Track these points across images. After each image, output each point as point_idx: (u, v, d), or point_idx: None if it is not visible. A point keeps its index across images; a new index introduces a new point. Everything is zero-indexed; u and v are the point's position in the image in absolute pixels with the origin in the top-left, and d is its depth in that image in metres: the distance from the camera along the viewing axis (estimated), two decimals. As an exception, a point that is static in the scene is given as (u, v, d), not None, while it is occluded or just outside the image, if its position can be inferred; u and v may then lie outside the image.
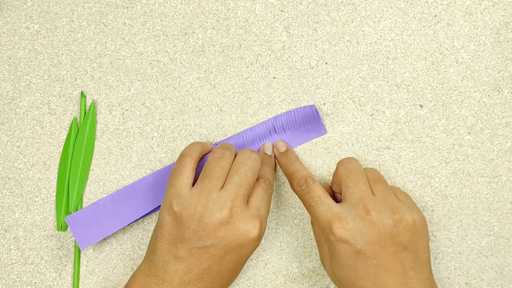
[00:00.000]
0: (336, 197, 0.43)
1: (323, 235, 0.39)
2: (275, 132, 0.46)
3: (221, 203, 0.38)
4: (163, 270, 0.38)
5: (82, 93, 0.47)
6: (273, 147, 0.46)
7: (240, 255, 0.39)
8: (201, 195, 0.39)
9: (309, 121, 0.45)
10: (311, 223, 0.43)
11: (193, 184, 0.41)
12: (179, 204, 0.39)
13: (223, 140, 0.46)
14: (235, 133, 0.46)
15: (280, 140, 0.46)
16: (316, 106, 0.45)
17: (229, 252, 0.38)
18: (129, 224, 0.45)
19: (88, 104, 0.47)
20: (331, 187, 0.44)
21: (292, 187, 0.42)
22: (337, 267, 0.38)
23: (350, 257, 0.37)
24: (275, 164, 0.46)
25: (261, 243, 0.45)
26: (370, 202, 0.38)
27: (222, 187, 0.39)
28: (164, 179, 0.45)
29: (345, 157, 0.44)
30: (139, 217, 0.45)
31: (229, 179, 0.39)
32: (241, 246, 0.38)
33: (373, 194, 0.39)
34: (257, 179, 0.42)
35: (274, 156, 0.46)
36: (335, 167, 0.43)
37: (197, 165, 0.42)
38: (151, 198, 0.45)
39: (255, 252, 0.45)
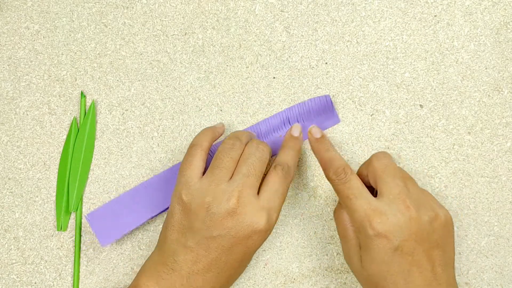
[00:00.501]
0: None
1: (358, 229, 0.38)
2: (289, 123, 0.45)
3: (228, 193, 0.38)
4: (173, 259, 0.39)
5: (82, 93, 0.47)
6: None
7: (248, 247, 0.39)
8: (210, 185, 0.39)
9: (323, 111, 0.45)
10: (335, 214, 0.42)
11: (204, 173, 0.41)
12: (189, 194, 0.39)
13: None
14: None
15: (315, 125, 0.45)
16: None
17: (236, 243, 0.38)
18: (150, 218, 0.45)
19: (88, 104, 0.47)
20: None
21: (327, 175, 0.41)
22: (371, 262, 0.38)
23: (386, 253, 0.37)
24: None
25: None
26: (409, 198, 0.38)
27: (231, 178, 0.39)
28: None
29: (379, 151, 0.43)
30: (160, 211, 0.45)
31: (237, 170, 0.39)
32: (247, 237, 0.38)
33: (409, 191, 0.39)
34: (275, 166, 0.41)
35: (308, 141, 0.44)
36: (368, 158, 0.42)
37: (209, 153, 0.42)
38: (170, 192, 0.45)
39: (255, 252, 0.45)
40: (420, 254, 0.37)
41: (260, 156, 0.40)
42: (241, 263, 0.40)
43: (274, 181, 0.40)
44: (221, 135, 0.44)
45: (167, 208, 0.45)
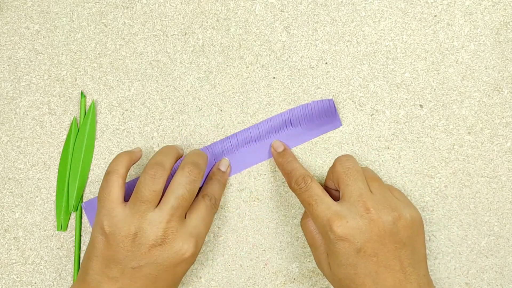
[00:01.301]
0: (331, 194, 0.43)
1: (322, 234, 0.39)
2: (291, 125, 0.45)
3: (156, 224, 0.38)
4: None
5: (82, 93, 0.47)
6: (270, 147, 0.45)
7: (175, 274, 0.39)
8: (134, 217, 0.38)
9: (325, 114, 0.45)
10: (302, 224, 0.43)
11: (126, 197, 0.40)
12: (112, 225, 0.38)
13: (239, 132, 0.45)
14: (235, 133, 0.46)
15: (277, 140, 0.45)
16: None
17: (163, 271, 0.38)
18: None
19: (88, 104, 0.47)
20: (325, 184, 0.44)
21: (290, 186, 0.42)
22: (337, 266, 0.38)
23: (350, 256, 0.37)
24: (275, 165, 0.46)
25: (261, 243, 0.45)
26: (369, 200, 0.38)
27: (157, 206, 0.39)
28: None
29: (343, 154, 0.44)
30: None
31: (165, 199, 0.39)
32: (175, 265, 0.38)
33: (371, 192, 0.39)
34: (203, 196, 0.41)
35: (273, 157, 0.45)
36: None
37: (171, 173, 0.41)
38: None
39: (255, 252, 0.45)
40: (385, 254, 0.37)
41: (190, 188, 0.39)
42: None
43: (202, 210, 0.41)
44: (138, 159, 0.43)
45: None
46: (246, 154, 0.46)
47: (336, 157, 0.45)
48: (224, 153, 0.46)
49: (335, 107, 0.45)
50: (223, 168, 0.45)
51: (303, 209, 0.46)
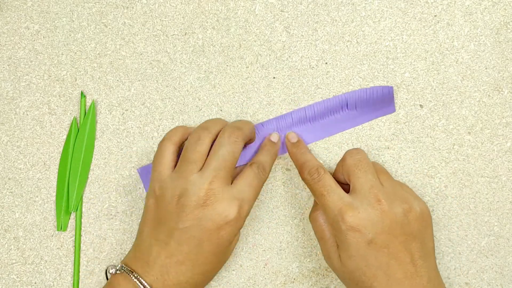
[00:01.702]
0: (342, 188, 0.42)
1: (333, 225, 0.39)
2: (347, 107, 0.45)
3: (199, 185, 0.38)
4: (147, 252, 0.39)
5: (82, 93, 0.47)
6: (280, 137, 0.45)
7: (219, 238, 0.39)
8: (179, 178, 0.39)
9: (382, 100, 0.45)
10: (311, 217, 0.43)
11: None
12: (161, 188, 0.40)
13: (294, 111, 0.45)
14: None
15: (292, 131, 0.45)
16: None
17: (207, 233, 0.38)
18: None
19: (88, 104, 0.47)
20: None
21: (302, 176, 0.42)
22: (348, 257, 0.38)
23: (361, 247, 0.37)
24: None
25: (260, 243, 0.45)
26: (381, 192, 0.38)
27: (201, 169, 0.39)
28: None
29: (353, 148, 0.44)
30: None
31: (207, 163, 0.39)
32: (219, 228, 0.38)
33: (382, 185, 0.40)
34: (251, 164, 0.42)
35: (286, 147, 0.45)
36: (342, 156, 0.43)
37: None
38: None
39: (255, 252, 0.45)
40: (396, 246, 0.37)
41: (230, 149, 0.40)
42: (215, 256, 0.39)
43: (249, 175, 0.41)
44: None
45: None
46: (300, 134, 0.45)
47: (336, 157, 0.46)
48: (278, 131, 0.45)
49: (393, 94, 0.45)
50: (274, 139, 0.44)
51: (304, 209, 0.46)
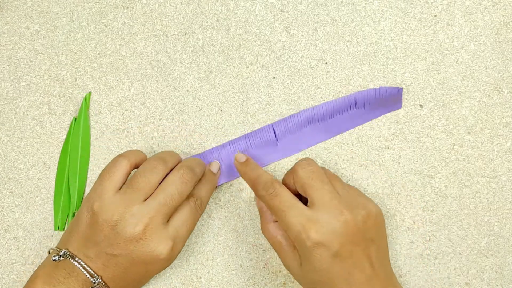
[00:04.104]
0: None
1: (296, 241, 0.38)
2: (355, 106, 0.45)
3: (138, 218, 0.38)
4: (72, 264, 0.38)
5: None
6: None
7: (147, 271, 0.39)
8: (120, 204, 0.38)
9: (391, 99, 0.45)
10: (263, 230, 0.42)
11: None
12: (99, 206, 0.38)
13: (302, 111, 0.45)
14: (234, 133, 0.46)
15: (239, 152, 0.45)
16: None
17: (135, 266, 0.38)
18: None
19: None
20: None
21: (257, 193, 0.40)
22: (312, 271, 0.37)
23: (326, 261, 0.37)
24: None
25: (261, 243, 0.45)
26: (341, 202, 0.38)
27: (145, 200, 0.39)
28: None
29: (302, 158, 0.42)
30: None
31: (154, 195, 0.39)
32: (148, 263, 0.38)
33: (339, 194, 0.39)
34: (188, 197, 0.41)
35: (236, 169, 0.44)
36: (291, 167, 0.42)
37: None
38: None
39: (255, 252, 0.45)
40: (358, 254, 0.37)
41: (181, 189, 0.39)
42: (137, 283, 0.40)
43: (185, 211, 0.40)
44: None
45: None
46: (308, 134, 0.45)
47: (336, 157, 0.46)
48: (287, 132, 0.45)
49: (401, 94, 0.45)
50: (214, 169, 0.44)
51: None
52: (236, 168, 0.43)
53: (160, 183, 0.40)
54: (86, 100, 0.47)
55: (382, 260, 0.39)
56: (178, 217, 0.40)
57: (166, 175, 0.41)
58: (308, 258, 0.37)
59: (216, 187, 0.45)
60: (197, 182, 0.41)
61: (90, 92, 0.47)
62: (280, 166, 0.46)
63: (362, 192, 0.42)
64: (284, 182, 0.42)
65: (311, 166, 0.40)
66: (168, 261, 0.39)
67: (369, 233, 0.38)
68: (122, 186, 0.40)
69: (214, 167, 0.44)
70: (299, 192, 0.40)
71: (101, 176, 0.40)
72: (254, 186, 0.41)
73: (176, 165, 0.42)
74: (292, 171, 0.41)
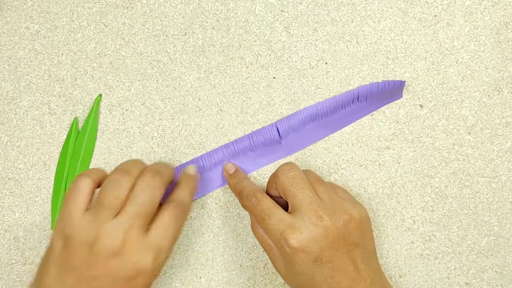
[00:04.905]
0: (278, 203, 0.41)
1: (277, 247, 0.38)
2: (358, 100, 0.45)
3: (113, 234, 0.36)
4: None
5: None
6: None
7: (132, 287, 0.37)
8: (93, 223, 0.36)
9: (393, 91, 0.45)
10: (254, 232, 0.41)
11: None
12: (71, 228, 0.36)
13: (305, 109, 0.45)
14: (234, 133, 0.46)
15: (229, 162, 0.45)
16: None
17: (120, 283, 0.36)
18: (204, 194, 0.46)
19: (89, 104, 0.47)
20: (267, 192, 0.43)
21: (242, 204, 0.41)
22: (295, 274, 0.38)
23: (307, 266, 0.37)
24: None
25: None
26: (320, 207, 0.38)
27: (117, 215, 0.37)
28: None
29: (285, 163, 0.42)
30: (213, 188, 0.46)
31: (125, 209, 0.37)
32: (132, 278, 0.36)
33: (320, 198, 0.39)
34: (167, 202, 0.39)
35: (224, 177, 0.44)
36: (275, 171, 0.41)
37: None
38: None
39: (255, 252, 0.45)
40: (340, 258, 0.37)
41: (150, 195, 0.37)
42: None
43: (165, 218, 0.38)
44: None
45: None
46: (312, 130, 0.45)
47: (336, 157, 0.46)
48: (291, 130, 0.45)
49: (403, 86, 0.45)
50: (191, 172, 0.43)
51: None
52: (225, 178, 0.44)
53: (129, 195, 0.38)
54: (97, 102, 0.47)
55: (368, 263, 0.38)
56: (159, 225, 0.38)
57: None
58: (290, 262, 0.38)
59: (221, 187, 0.46)
60: (167, 184, 0.40)
61: (101, 95, 0.47)
62: (280, 166, 0.46)
63: (351, 194, 0.42)
64: (268, 186, 0.42)
65: (292, 171, 0.40)
66: (153, 272, 0.37)
67: (352, 237, 0.38)
68: (87, 205, 0.38)
69: (191, 170, 0.43)
70: (282, 197, 0.40)
71: (65, 200, 0.38)
72: (239, 197, 0.42)
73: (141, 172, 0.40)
74: (275, 175, 0.41)
